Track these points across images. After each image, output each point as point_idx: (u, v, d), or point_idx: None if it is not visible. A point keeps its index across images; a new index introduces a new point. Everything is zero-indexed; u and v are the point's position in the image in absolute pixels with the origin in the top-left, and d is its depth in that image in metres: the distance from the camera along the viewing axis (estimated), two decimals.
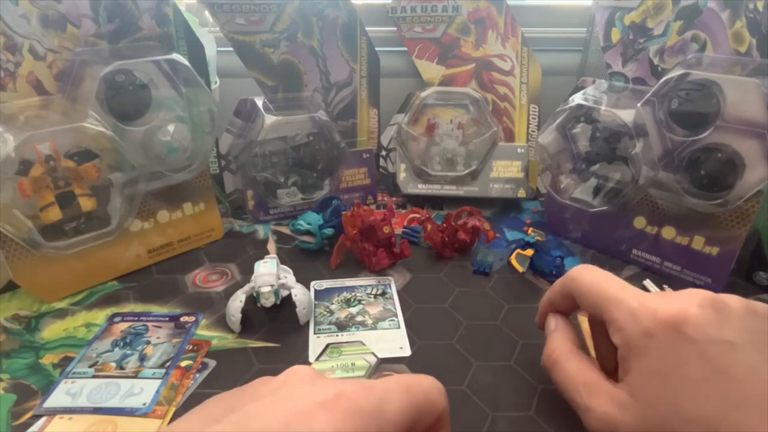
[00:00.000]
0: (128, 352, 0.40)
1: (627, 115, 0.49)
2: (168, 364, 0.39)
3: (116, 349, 0.40)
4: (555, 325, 0.34)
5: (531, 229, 0.60)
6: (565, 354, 0.31)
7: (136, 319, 0.44)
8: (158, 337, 0.41)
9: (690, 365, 0.25)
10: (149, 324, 0.43)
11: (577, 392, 0.29)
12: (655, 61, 0.52)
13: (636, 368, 0.27)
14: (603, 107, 0.51)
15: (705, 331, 0.25)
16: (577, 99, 0.54)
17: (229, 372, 0.38)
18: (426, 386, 0.22)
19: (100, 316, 0.44)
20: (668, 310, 0.26)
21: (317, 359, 0.39)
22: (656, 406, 0.25)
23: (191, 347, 0.40)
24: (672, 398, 0.25)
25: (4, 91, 0.43)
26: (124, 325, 0.43)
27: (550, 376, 0.32)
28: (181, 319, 0.43)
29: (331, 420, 0.18)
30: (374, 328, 0.43)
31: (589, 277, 0.32)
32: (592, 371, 0.29)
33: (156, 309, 0.45)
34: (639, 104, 0.48)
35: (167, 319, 0.44)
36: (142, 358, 0.39)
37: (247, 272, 0.48)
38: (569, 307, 0.34)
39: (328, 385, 0.20)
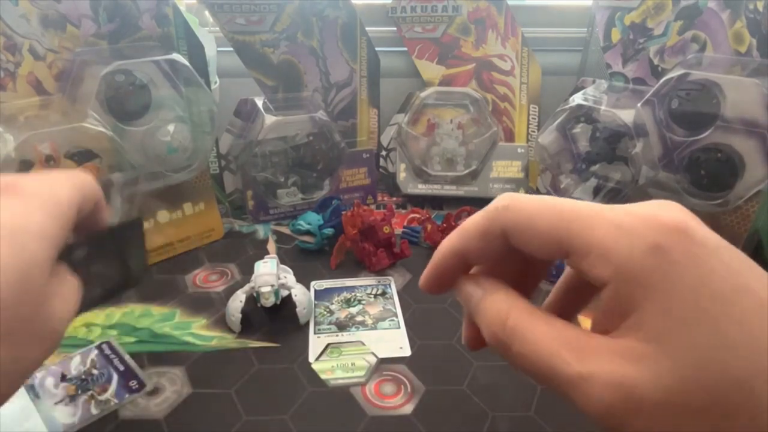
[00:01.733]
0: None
1: (627, 115, 0.49)
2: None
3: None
4: (485, 285, 0.23)
5: None
6: (525, 316, 0.21)
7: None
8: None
9: (716, 274, 0.18)
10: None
11: (561, 359, 0.19)
12: (655, 61, 0.52)
13: (649, 299, 0.18)
14: (603, 107, 0.51)
15: (709, 235, 0.19)
16: (577, 99, 0.54)
17: (229, 372, 0.38)
18: (83, 176, 0.26)
19: (100, 316, 0.44)
20: (669, 215, 0.19)
21: (317, 359, 0.39)
22: (691, 338, 0.17)
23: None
24: (711, 322, 0.17)
25: (4, 91, 0.43)
26: None
27: (508, 353, 0.21)
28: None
29: (13, 202, 0.21)
30: (374, 328, 0.43)
31: (532, 200, 0.21)
32: (572, 328, 0.20)
33: (156, 309, 0.45)
34: (639, 104, 0.48)
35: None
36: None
37: (247, 272, 0.48)
38: (491, 256, 0.23)
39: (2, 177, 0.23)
